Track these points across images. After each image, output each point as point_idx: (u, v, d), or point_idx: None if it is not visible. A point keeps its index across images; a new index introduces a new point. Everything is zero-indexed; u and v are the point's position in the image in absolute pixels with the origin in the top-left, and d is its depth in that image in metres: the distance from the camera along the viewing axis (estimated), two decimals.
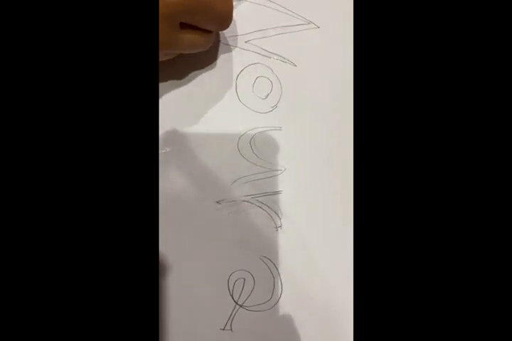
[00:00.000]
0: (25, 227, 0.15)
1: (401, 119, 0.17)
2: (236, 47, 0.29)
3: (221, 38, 0.29)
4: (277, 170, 0.28)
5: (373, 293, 0.16)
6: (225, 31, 0.29)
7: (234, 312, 0.25)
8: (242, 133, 0.28)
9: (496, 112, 0.16)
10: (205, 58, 0.28)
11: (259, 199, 0.27)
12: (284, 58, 0.29)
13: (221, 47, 0.29)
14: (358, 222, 0.17)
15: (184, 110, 0.28)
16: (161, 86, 0.28)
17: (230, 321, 0.25)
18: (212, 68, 0.28)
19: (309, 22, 0.30)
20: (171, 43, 0.22)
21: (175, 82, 0.28)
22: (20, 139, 0.15)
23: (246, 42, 0.29)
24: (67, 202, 0.15)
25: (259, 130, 0.28)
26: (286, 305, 0.26)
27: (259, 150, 0.28)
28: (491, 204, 0.16)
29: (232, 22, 0.29)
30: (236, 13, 0.29)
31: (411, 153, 0.17)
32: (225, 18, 0.23)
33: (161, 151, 0.27)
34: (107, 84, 0.16)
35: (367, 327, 0.16)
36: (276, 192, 0.27)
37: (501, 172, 0.16)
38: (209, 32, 0.24)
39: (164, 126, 0.27)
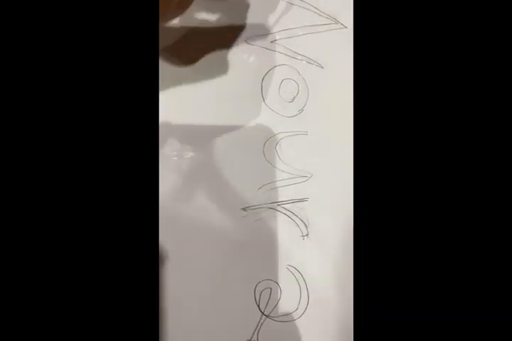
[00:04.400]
0: (26, 222, 0.15)
1: (420, 121, 0.16)
2: (261, 47, 0.28)
3: (246, 37, 0.28)
4: (303, 177, 0.27)
5: (394, 301, 0.16)
6: (249, 29, 0.28)
7: (260, 323, 0.25)
8: (268, 137, 0.27)
9: (495, 112, 0.16)
10: (230, 59, 0.27)
11: (285, 206, 0.26)
12: (311, 59, 0.28)
13: (246, 47, 0.28)
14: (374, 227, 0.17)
15: (208, 113, 0.27)
16: (183, 89, 0.27)
17: (256, 332, 0.24)
18: (236, 70, 0.27)
19: (337, 21, 0.29)
20: None
21: (198, 84, 0.27)
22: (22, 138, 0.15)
23: (272, 42, 0.28)
24: (67, 199, 0.15)
25: (285, 134, 0.27)
26: (313, 315, 0.25)
27: (284, 155, 0.27)
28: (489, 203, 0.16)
29: (257, 20, 0.28)
30: (260, 11, 0.28)
31: (427, 157, 0.16)
32: None
33: (185, 156, 0.26)
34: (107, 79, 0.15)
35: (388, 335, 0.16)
36: (303, 199, 0.27)
37: (501, 172, 0.16)
38: None
39: (188, 130, 0.26)
